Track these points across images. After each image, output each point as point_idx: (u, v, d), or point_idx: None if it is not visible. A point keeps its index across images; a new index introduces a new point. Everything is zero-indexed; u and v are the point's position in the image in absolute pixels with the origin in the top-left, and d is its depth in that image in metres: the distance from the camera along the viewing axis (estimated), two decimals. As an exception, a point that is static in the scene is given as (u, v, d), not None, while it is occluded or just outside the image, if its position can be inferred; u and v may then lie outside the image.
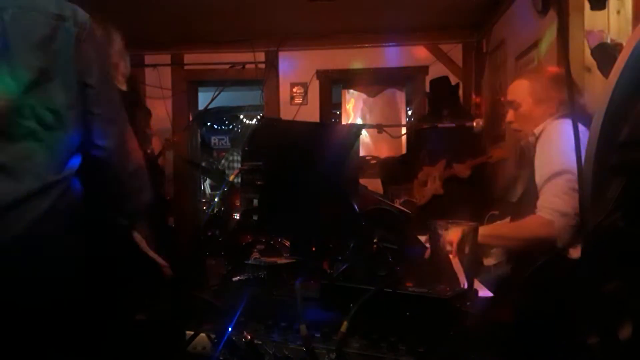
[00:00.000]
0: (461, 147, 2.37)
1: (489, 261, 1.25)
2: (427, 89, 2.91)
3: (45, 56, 0.71)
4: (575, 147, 0.67)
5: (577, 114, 1.01)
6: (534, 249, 1.14)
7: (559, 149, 1.12)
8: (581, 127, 0.84)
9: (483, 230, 1.13)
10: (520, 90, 1.24)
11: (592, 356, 0.57)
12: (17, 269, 0.69)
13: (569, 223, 1.08)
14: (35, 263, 0.70)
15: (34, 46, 0.70)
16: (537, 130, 1.22)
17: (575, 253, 1.08)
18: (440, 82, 2.71)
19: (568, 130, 1.12)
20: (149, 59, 3.44)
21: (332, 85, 3.51)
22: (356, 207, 0.97)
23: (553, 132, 1.16)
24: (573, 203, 1.07)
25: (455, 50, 3.20)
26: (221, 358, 0.72)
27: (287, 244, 1.05)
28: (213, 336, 0.74)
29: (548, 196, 1.11)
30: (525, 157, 1.53)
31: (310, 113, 3.33)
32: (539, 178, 1.15)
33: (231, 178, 2.56)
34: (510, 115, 1.28)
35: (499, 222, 1.36)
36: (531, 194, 1.19)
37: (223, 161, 3.99)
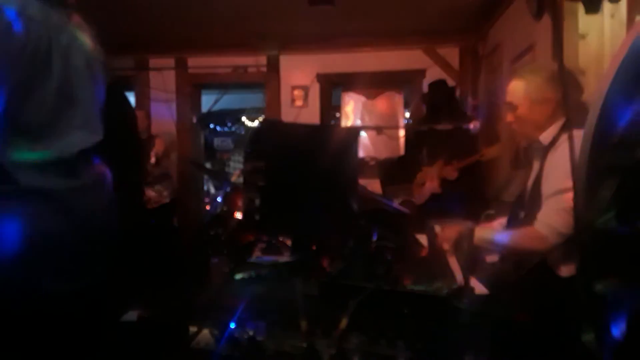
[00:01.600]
0: (458, 149, 2.39)
1: (492, 258, 1.25)
2: (425, 92, 2.93)
3: None
4: (570, 150, 0.68)
5: (574, 116, 1.02)
6: (525, 259, 1.14)
7: (569, 165, 1.11)
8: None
9: (479, 232, 1.14)
10: (517, 91, 1.22)
11: (589, 355, 0.57)
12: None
13: (562, 241, 1.08)
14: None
15: None
16: (544, 138, 1.19)
17: (566, 271, 1.08)
18: (438, 85, 2.74)
19: None
20: (153, 62, 3.47)
21: (332, 88, 3.53)
22: (355, 207, 0.99)
23: (567, 147, 1.14)
24: (572, 221, 1.06)
25: (452, 54, 3.22)
26: (224, 354, 0.73)
27: (288, 243, 1.07)
28: (216, 332, 0.75)
29: (549, 211, 1.11)
30: (522, 159, 1.53)
31: (311, 115, 3.35)
32: (545, 189, 1.14)
33: (233, 178, 2.58)
34: (509, 116, 1.26)
35: (496, 222, 1.36)
36: (531, 197, 1.19)
37: (231, 163, 3.99)
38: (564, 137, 1.15)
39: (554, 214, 1.09)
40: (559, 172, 1.12)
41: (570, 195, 1.07)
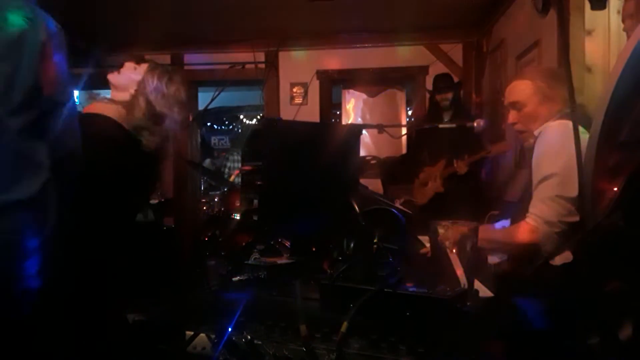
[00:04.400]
0: (462, 147, 2.37)
1: (492, 259, 1.24)
2: (429, 88, 2.91)
3: None
4: (575, 147, 0.67)
5: (577, 113, 1.01)
6: (522, 255, 1.14)
7: (550, 152, 1.11)
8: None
9: (482, 234, 1.13)
10: (524, 90, 1.21)
11: (593, 356, 0.56)
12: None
13: (553, 230, 1.08)
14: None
15: None
16: (537, 132, 1.21)
17: (560, 260, 1.07)
18: (443, 79, 2.71)
19: (563, 133, 1.12)
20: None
21: (332, 85, 3.51)
22: (356, 207, 0.97)
23: (549, 134, 1.15)
24: (559, 210, 1.07)
25: (455, 50, 3.21)
26: (221, 358, 0.72)
27: (287, 244, 1.05)
28: (213, 336, 0.74)
29: (536, 201, 1.11)
30: (525, 157, 1.52)
31: (311, 113, 3.33)
32: (534, 179, 1.15)
33: (231, 178, 2.56)
34: (513, 116, 1.24)
35: (498, 224, 1.35)
36: (528, 196, 1.19)
37: (228, 162, 3.95)
38: (547, 125, 1.15)
39: (540, 204, 1.09)
40: (542, 159, 1.12)
41: (551, 181, 1.08)
